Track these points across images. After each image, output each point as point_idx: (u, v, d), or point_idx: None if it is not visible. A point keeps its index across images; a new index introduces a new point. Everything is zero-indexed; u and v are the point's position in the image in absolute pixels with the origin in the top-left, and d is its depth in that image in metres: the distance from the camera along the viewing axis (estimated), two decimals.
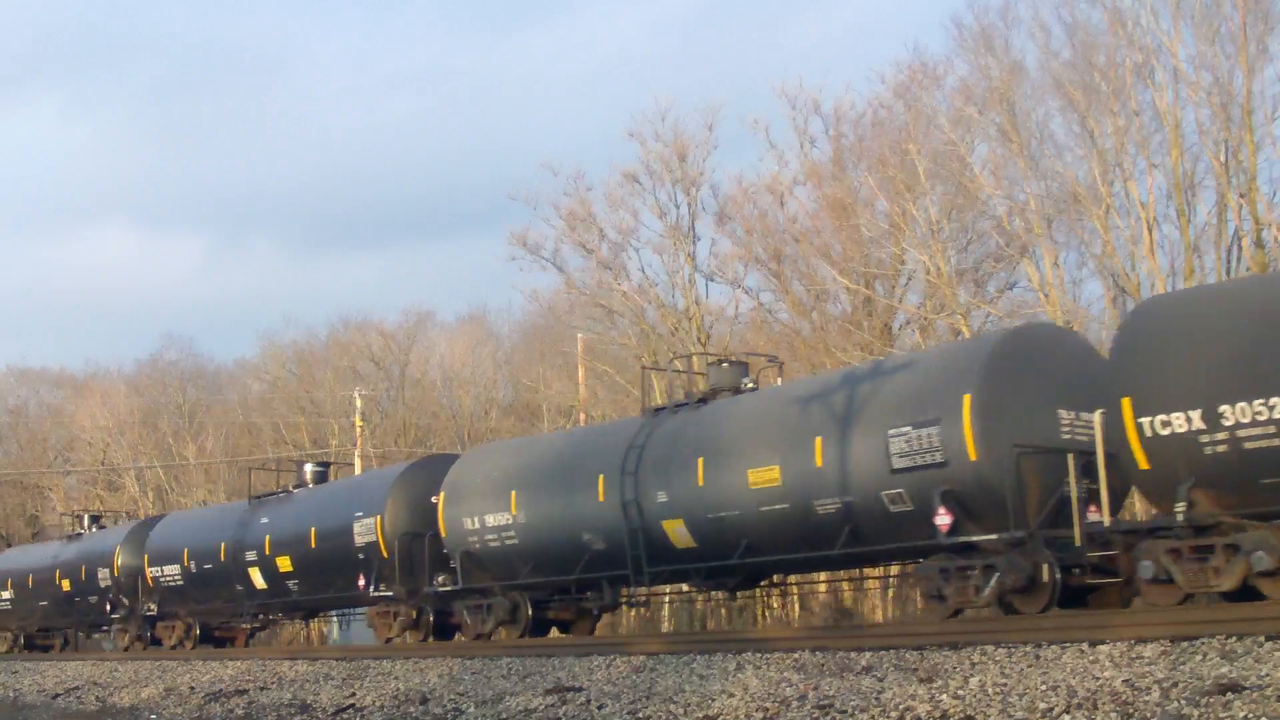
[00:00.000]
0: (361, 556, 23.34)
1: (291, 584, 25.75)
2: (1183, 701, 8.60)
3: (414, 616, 22.80)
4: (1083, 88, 29.09)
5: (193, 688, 19.22)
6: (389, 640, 23.12)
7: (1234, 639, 10.28)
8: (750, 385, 19.26)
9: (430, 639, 22.43)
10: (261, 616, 28.49)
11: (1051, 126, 30.93)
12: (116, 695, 20.12)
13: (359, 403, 49.41)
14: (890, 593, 27.22)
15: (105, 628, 33.78)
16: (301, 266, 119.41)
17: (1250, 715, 8.12)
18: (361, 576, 23.35)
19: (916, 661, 11.68)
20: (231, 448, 58.94)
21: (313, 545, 24.75)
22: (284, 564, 25.66)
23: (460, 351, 57.36)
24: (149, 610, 30.18)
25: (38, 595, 35.07)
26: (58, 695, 21.60)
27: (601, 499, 19.11)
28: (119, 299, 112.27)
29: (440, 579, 22.13)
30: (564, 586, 20.70)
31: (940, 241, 31.60)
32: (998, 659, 11.25)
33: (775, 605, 29.90)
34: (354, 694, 15.64)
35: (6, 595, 36.72)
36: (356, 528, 23.46)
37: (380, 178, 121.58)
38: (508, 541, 20.69)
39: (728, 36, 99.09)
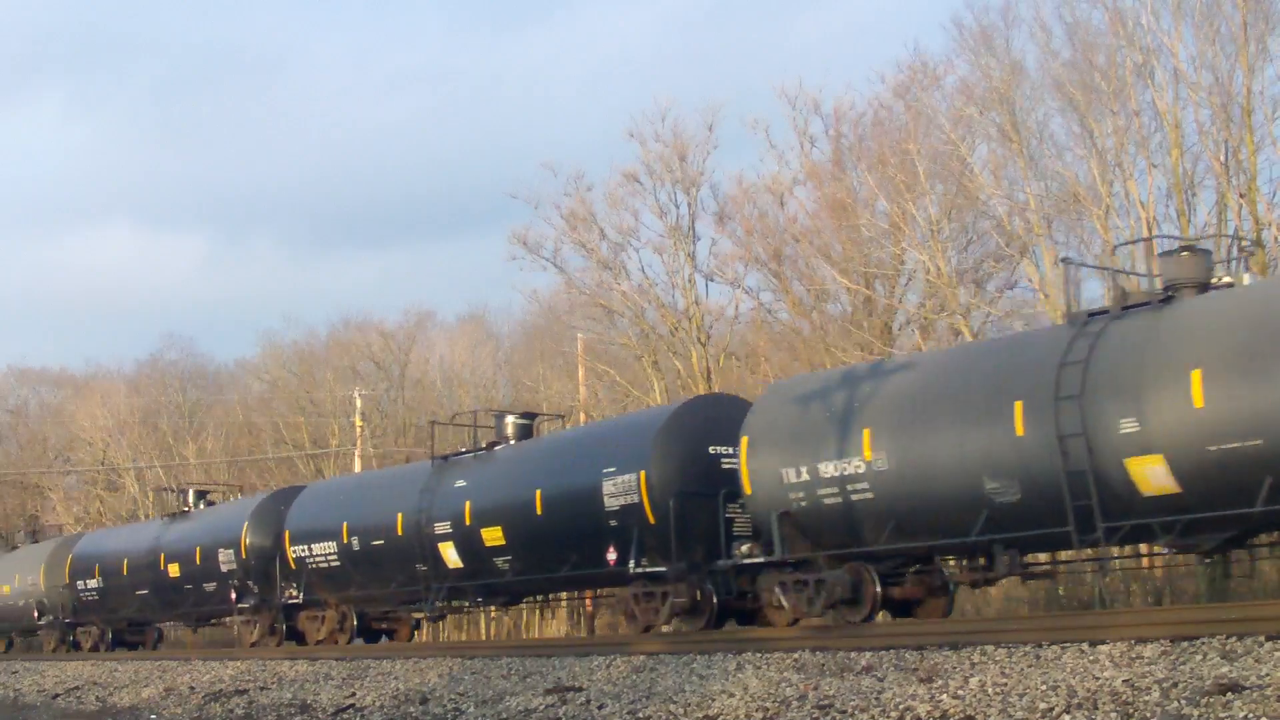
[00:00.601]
0: (614, 524, 18.83)
1: (501, 561, 21.15)
2: (1183, 701, 8.61)
3: (695, 598, 18.03)
4: (1083, 88, 29.10)
5: (193, 688, 19.24)
6: (648, 630, 18.55)
7: (1234, 639, 10.30)
8: (1226, 280, 14.92)
9: (710, 628, 17.96)
10: (441, 604, 23.29)
11: (1051, 126, 30.99)
12: (116, 695, 20.14)
13: (359, 403, 49.42)
14: None
15: (219, 620, 29.59)
16: (302, 266, 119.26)
17: (1250, 715, 8.13)
18: (613, 549, 18.98)
19: (916, 661, 11.69)
20: (231, 448, 58.92)
21: (538, 512, 20.13)
22: (492, 536, 21.05)
23: (460, 351, 57.35)
24: (290, 597, 25.58)
25: (135, 584, 30.33)
26: (58, 695, 21.63)
27: (1020, 433, 14.58)
28: (119, 299, 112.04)
29: (744, 549, 17.56)
30: (922, 555, 16.32)
31: (940, 241, 31.63)
32: (998, 659, 11.27)
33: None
34: (354, 694, 15.66)
35: (93, 584, 31.96)
36: (607, 487, 18.87)
37: (380, 178, 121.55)
38: (855, 496, 15.94)
39: (728, 36, 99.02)
